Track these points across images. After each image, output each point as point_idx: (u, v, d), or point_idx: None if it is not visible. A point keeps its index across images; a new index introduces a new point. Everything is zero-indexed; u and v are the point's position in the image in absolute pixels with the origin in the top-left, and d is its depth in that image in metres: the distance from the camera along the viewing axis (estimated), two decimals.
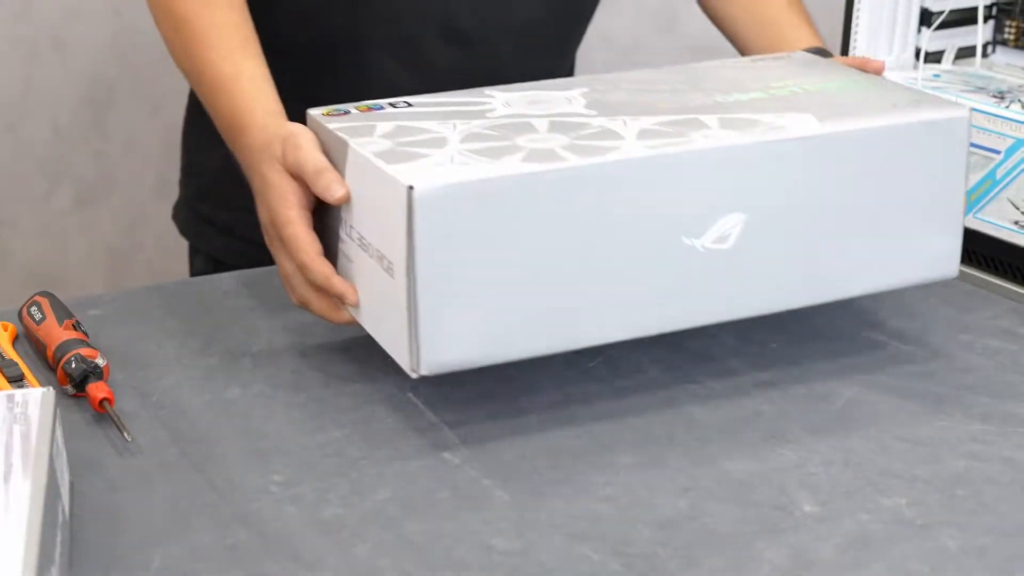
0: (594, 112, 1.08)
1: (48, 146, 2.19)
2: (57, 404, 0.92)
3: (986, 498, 0.96)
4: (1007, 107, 1.26)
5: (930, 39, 1.38)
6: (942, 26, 1.38)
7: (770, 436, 1.03)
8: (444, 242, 0.96)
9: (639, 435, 1.03)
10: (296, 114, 1.11)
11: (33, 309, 1.12)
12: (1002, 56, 1.42)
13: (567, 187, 0.99)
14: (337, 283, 1.04)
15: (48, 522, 0.81)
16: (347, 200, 1.03)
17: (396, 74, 1.34)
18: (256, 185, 1.11)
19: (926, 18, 1.38)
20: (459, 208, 0.96)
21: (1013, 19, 1.40)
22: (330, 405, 1.06)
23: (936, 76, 1.35)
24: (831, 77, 1.15)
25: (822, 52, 1.26)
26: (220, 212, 1.46)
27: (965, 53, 1.40)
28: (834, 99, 1.11)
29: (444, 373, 0.99)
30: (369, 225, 1.01)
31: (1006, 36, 1.41)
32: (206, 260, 1.49)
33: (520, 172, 0.98)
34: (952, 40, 1.40)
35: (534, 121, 1.06)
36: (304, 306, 1.08)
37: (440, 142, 1.02)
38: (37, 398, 0.91)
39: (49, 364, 1.08)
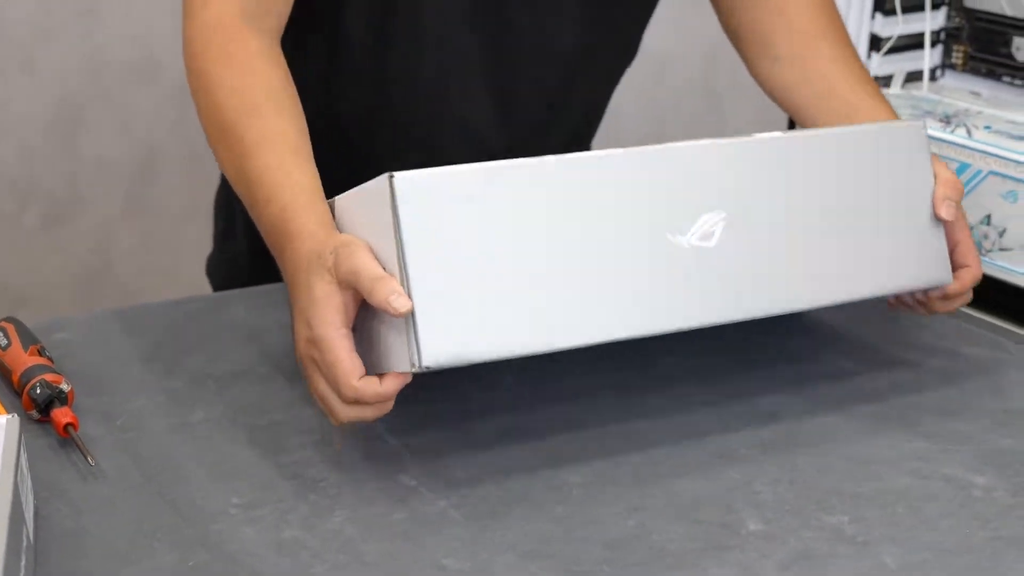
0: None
1: (18, 166, 2.21)
2: (22, 430, 0.94)
3: (927, 515, 0.99)
4: (953, 131, 1.29)
5: (880, 64, 1.41)
6: (891, 51, 1.41)
7: (718, 455, 1.06)
8: (431, 231, 0.97)
9: (590, 455, 1.06)
10: None
11: None
12: (950, 80, 1.46)
13: (548, 180, 1.01)
14: (379, 389, 0.99)
15: (12, 546, 0.84)
16: (411, 312, 0.97)
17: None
18: (300, 300, 1.01)
19: (876, 43, 1.41)
20: (442, 198, 0.98)
21: (960, 44, 1.44)
22: (291, 428, 1.08)
23: None
24: None
25: None
26: None
27: (914, 77, 1.44)
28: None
29: (446, 366, 0.98)
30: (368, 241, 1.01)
31: (953, 60, 1.45)
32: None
33: (502, 164, 1.00)
34: (901, 65, 1.43)
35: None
36: (345, 421, 1.02)
37: None
38: (2, 424, 0.94)
39: (15, 389, 1.10)
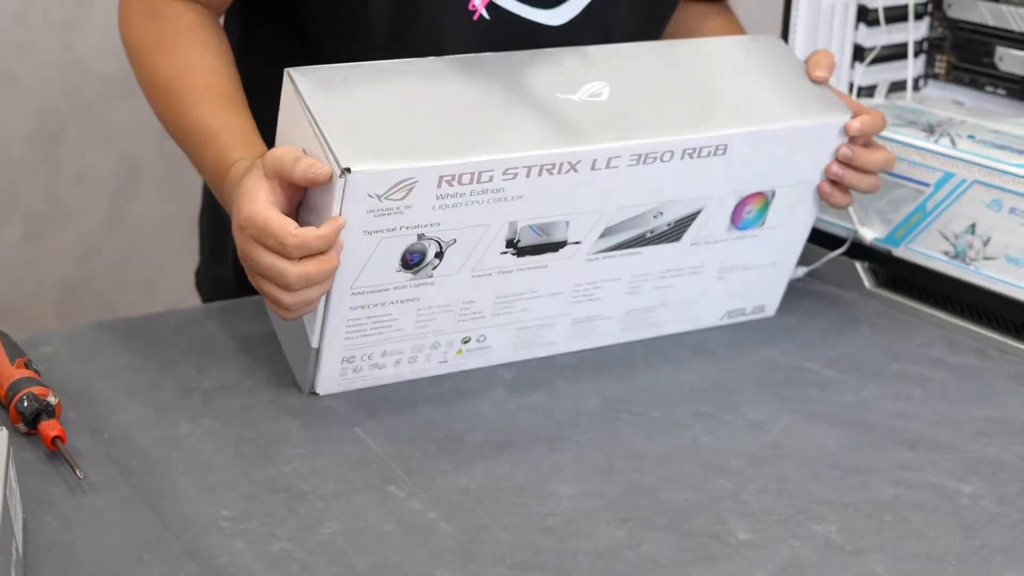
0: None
1: None
2: (10, 443, 0.94)
3: (914, 524, 1.00)
4: (936, 141, 1.29)
5: (863, 74, 1.42)
6: (875, 61, 1.41)
7: (706, 465, 1.06)
8: (337, 105, 1.08)
9: (579, 466, 1.06)
10: None
11: None
12: (933, 90, 1.46)
13: (442, 73, 1.13)
14: (318, 231, 1.04)
15: (2, 560, 0.83)
16: (330, 178, 1.03)
17: None
18: (235, 203, 1.08)
19: (859, 54, 1.42)
20: (338, 81, 1.09)
21: (943, 54, 1.44)
22: (278, 440, 1.08)
23: None
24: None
25: None
26: None
27: (897, 87, 1.44)
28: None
29: (371, 178, 1.03)
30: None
31: (936, 70, 1.45)
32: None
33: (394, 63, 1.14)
34: (885, 75, 1.44)
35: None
36: (305, 288, 1.06)
37: None
38: None
39: (1, 403, 1.10)
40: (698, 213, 1.18)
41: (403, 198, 1.04)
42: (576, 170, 1.09)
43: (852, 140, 1.21)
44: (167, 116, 1.23)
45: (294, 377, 1.16)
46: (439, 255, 1.09)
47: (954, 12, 1.41)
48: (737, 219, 1.21)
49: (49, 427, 1.05)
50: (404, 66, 1.13)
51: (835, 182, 1.23)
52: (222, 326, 1.25)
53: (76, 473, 1.02)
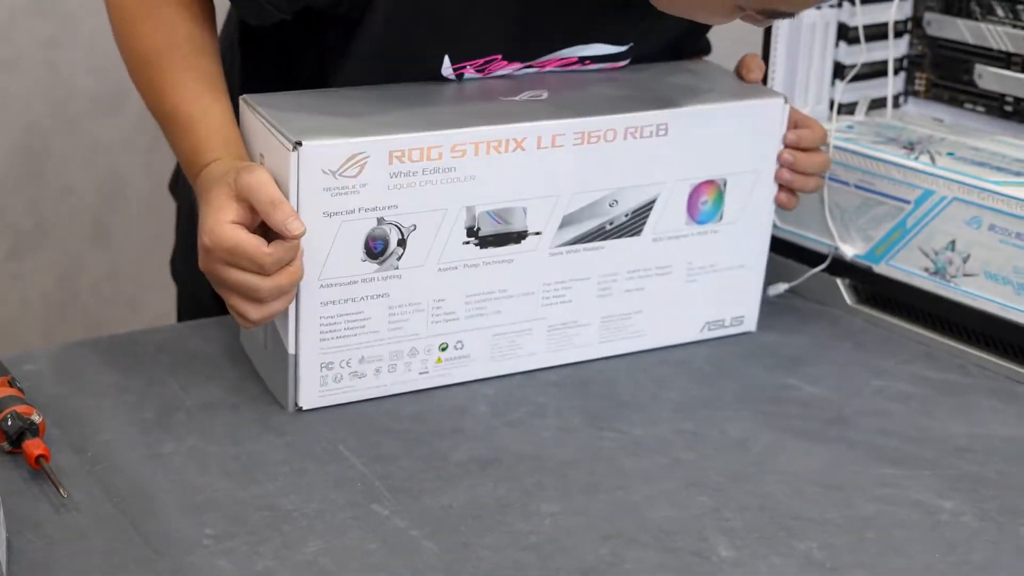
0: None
1: None
2: None
3: (895, 540, 1.00)
4: (916, 158, 1.30)
5: (844, 91, 1.42)
6: (855, 79, 1.42)
7: (688, 482, 1.07)
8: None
9: (562, 483, 1.06)
10: None
11: None
12: (913, 107, 1.47)
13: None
14: (286, 243, 1.07)
15: None
16: (303, 235, 1.07)
17: None
18: (201, 212, 1.10)
19: (839, 71, 1.42)
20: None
21: (923, 71, 1.45)
22: (262, 459, 1.08)
23: (849, 127, 1.39)
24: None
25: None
26: None
27: (878, 104, 1.45)
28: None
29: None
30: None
31: (916, 87, 1.46)
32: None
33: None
34: (865, 92, 1.44)
35: None
36: (273, 300, 1.09)
37: None
38: None
39: None
40: (653, 202, 1.22)
41: (357, 175, 1.09)
42: (523, 148, 1.14)
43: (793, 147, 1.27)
44: (147, 92, 1.22)
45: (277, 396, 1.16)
46: (401, 243, 1.12)
47: (933, 30, 1.42)
48: (694, 211, 1.24)
49: (33, 446, 1.05)
50: (354, 91, 1.20)
51: (781, 185, 1.28)
52: (206, 344, 1.25)
53: (60, 492, 1.02)
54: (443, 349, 1.18)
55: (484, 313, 1.18)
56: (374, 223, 1.11)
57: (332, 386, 1.15)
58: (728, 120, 1.23)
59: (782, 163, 1.27)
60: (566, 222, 1.18)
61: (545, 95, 1.20)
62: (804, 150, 1.27)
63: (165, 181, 2.05)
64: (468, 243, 1.15)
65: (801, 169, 1.27)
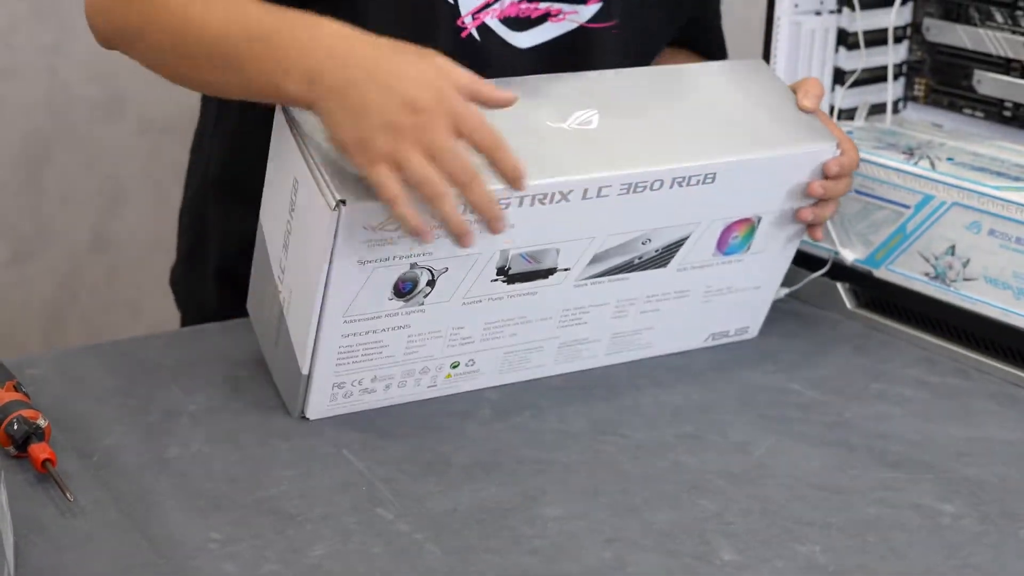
0: None
1: None
2: (0, 466, 0.94)
3: (896, 543, 1.01)
4: (916, 163, 1.31)
5: (844, 97, 1.43)
6: (855, 84, 1.43)
7: (690, 486, 1.07)
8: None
9: (565, 487, 1.07)
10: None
11: None
12: (912, 112, 1.48)
13: None
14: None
15: None
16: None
17: None
18: (401, 60, 1.03)
19: (839, 77, 1.43)
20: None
21: (922, 77, 1.46)
22: (266, 463, 1.09)
23: (850, 133, 1.40)
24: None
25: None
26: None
27: (877, 109, 1.46)
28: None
29: None
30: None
31: (915, 93, 1.47)
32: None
33: None
34: (865, 97, 1.45)
35: None
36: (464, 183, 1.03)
37: None
38: None
39: None
40: (686, 239, 1.19)
41: (396, 229, 1.05)
42: (567, 199, 1.10)
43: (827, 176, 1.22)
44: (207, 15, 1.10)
45: (282, 400, 1.16)
46: (431, 283, 1.10)
47: (932, 36, 1.43)
48: (723, 245, 1.22)
49: (39, 450, 1.05)
50: None
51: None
52: (209, 348, 1.26)
53: (66, 496, 1.02)
54: (454, 367, 1.18)
55: (500, 336, 1.17)
56: (407, 267, 1.08)
57: (341, 401, 1.15)
58: (778, 167, 1.20)
59: (812, 192, 1.22)
60: (596, 259, 1.16)
61: (595, 120, 1.15)
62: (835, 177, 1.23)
63: (165, 187, 2.06)
64: (496, 280, 1.13)
65: (831, 195, 1.23)
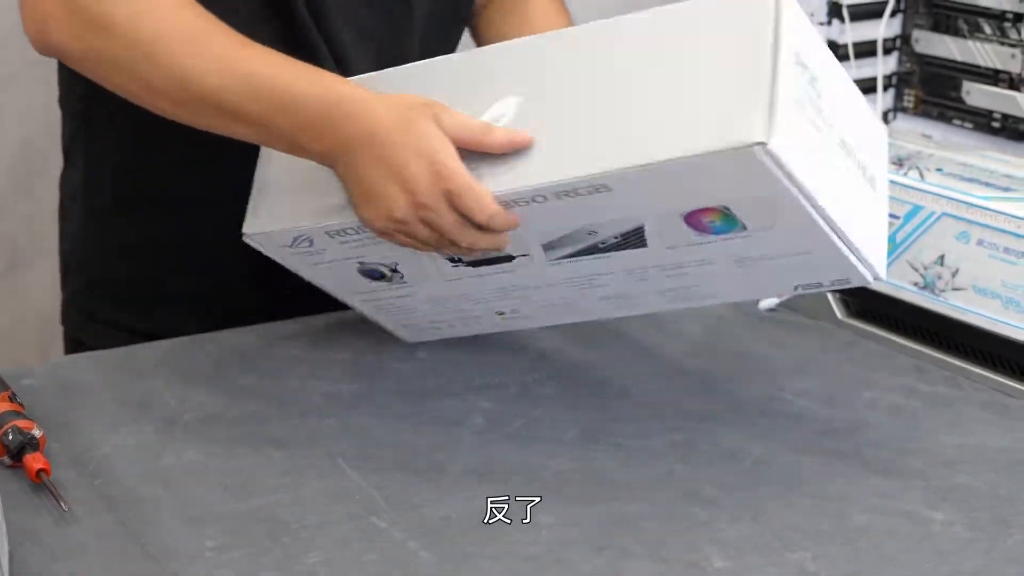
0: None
1: None
2: None
3: (887, 551, 1.02)
4: (905, 174, 1.32)
5: None
6: None
7: (682, 494, 1.08)
8: None
9: (558, 495, 1.07)
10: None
11: None
12: (903, 123, 1.49)
13: None
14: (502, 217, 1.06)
15: None
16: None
17: None
18: (408, 147, 1.04)
19: None
20: None
21: (912, 87, 1.47)
22: (261, 471, 1.09)
23: None
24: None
25: None
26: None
27: None
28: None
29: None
30: None
31: (905, 104, 1.48)
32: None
33: None
34: None
35: None
36: (469, 249, 1.08)
37: None
38: None
39: None
40: (641, 228, 1.07)
41: (311, 246, 1.12)
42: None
43: None
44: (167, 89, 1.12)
45: (276, 409, 1.17)
46: (395, 271, 1.14)
47: (922, 47, 1.44)
48: (701, 228, 1.06)
49: (34, 460, 1.06)
50: None
51: None
52: (203, 357, 1.26)
53: (61, 505, 1.03)
54: (500, 315, 1.20)
55: (528, 296, 1.17)
56: (357, 266, 1.13)
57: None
58: (683, 169, 1.01)
59: None
60: (551, 246, 1.10)
61: (511, 114, 1.07)
62: None
63: None
64: (458, 265, 1.13)
65: None
